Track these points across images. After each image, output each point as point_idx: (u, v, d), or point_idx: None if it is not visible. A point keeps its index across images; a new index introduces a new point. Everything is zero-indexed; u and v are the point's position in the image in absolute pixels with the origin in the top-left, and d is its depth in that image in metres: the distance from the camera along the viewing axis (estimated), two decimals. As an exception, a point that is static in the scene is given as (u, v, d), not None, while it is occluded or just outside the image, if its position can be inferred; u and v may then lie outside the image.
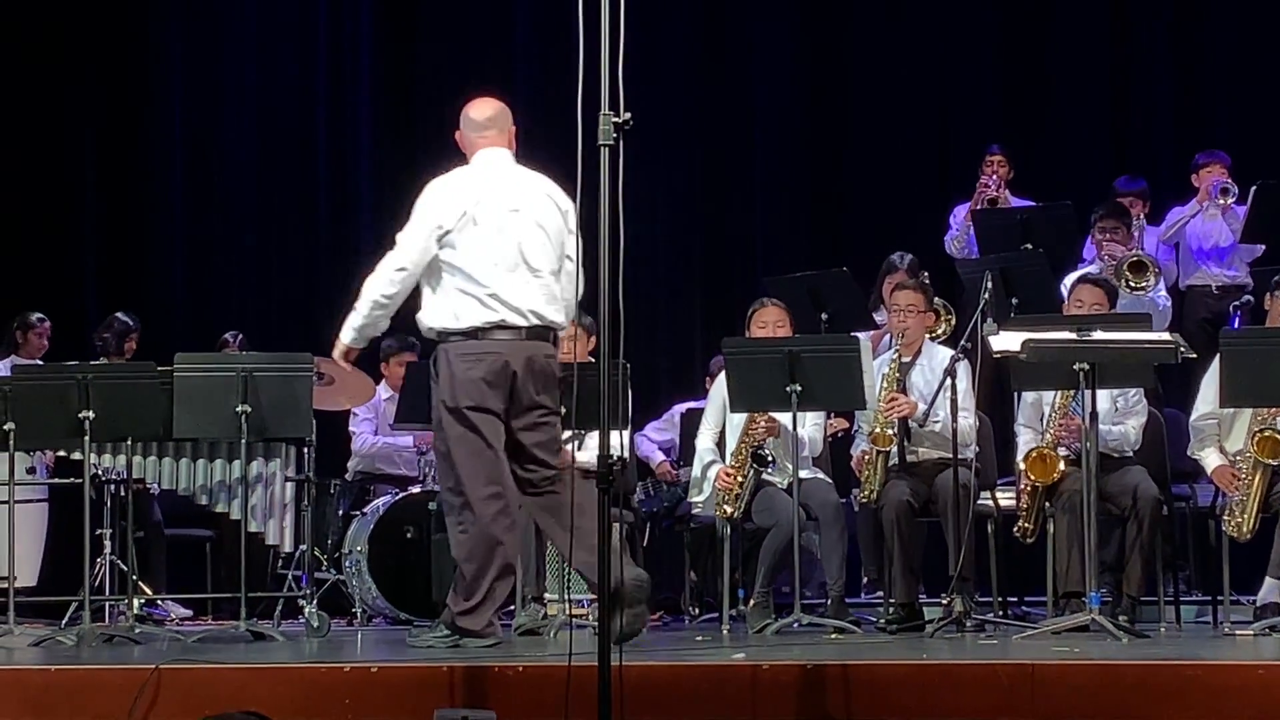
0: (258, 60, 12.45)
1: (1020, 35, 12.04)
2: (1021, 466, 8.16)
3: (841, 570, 8.26)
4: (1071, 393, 7.92)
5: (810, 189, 12.19)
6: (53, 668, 6.53)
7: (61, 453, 8.77)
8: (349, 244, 12.02)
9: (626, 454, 8.03)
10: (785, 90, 12.26)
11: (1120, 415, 8.21)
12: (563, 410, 7.19)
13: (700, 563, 9.34)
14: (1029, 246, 9.73)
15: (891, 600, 8.29)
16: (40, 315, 10.47)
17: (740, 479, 8.33)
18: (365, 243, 12.32)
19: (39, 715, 6.13)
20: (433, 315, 7.14)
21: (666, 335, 12.00)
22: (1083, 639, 7.13)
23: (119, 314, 10.47)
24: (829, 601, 8.24)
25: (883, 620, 8.22)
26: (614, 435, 5.43)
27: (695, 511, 8.83)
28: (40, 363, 10.02)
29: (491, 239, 7.08)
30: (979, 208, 10.53)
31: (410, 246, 7.13)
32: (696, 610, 9.21)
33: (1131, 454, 8.23)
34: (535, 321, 7.09)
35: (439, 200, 7.17)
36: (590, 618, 7.92)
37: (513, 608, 8.41)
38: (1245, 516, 7.84)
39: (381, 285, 7.13)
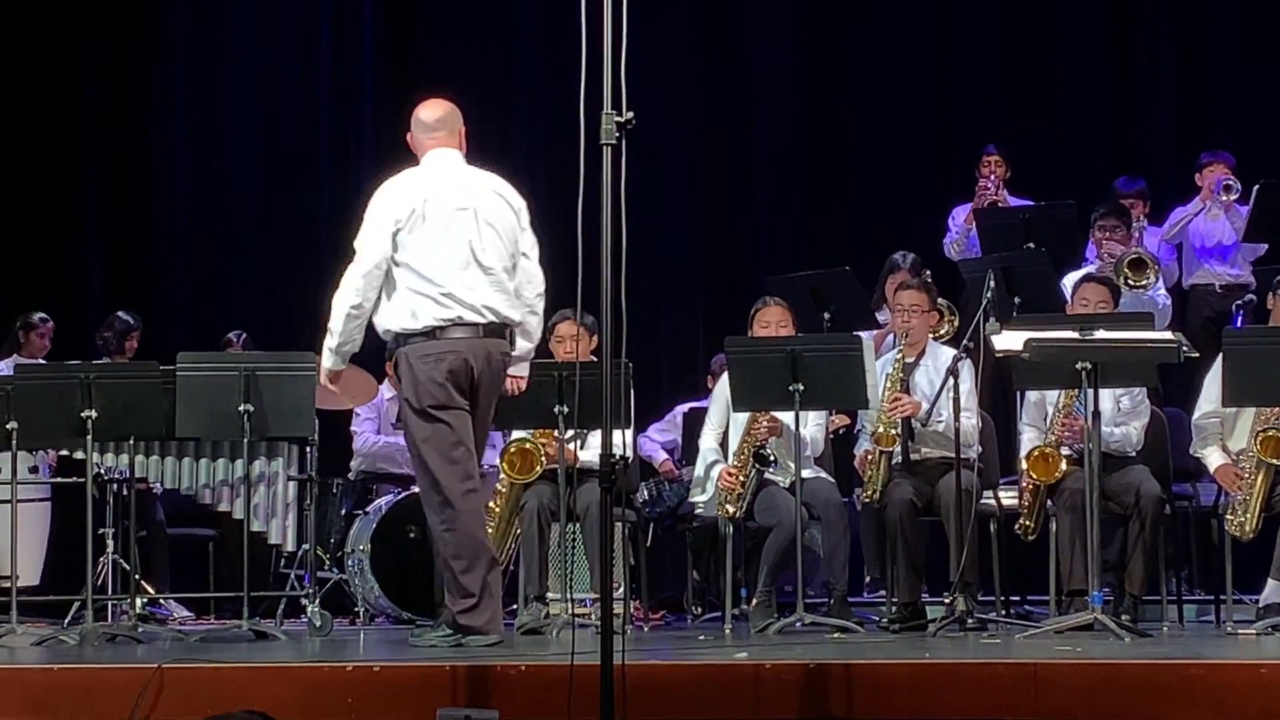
0: (260, 60, 12.44)
1: (1022, 34, 12.03)
2: (1024, 466, 8.16)
3: (844, 569, 8.26)
4: (1075, 392, 7.91)
5: (812, 188, 12.18)
6: (55, 667, 6.55)
7: (64, 452, 8.78)
8: (352, 244, 12.01)
9: (629, 453, 8.03)
10: (787, 89, 12.26)
11: (1123, 416, 8.21)
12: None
13: (703, 562, 9.34)
14: (1031, 246, 9.73)
15: (894, 599, 8.29)
16: (43, 315, 10.47)
17: (742, 478, 8.33)
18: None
19: (42, 714, 6.13)
20: (389, 317, 7.17)
21: (669, 335, 12.00)
22: (1085, 638, 7.13)
23: (120, 313, 10.48)
24: (831, 601, 8.25)
25: (885, 619, 8.22)
26: (616, 434, 5.44)
27: (698, 511, 8.83)
28: (43, 362, 10.01)
29: (441, 237, 7.16)
30: (981, 207, 10.53)
31: (370, 249, 7.18)
32: (699, 609, 9.20)
33: (1134, 453, 8.22)
34: (491, 318, 7.18)
35: (389, 200, 7.24)
36: (593, 617, 7.92)
37: (515, 607, 8.43)
38: (1248, 516, 7.84)
39: (350, 296, 7.16)
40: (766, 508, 8.33)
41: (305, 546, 8.78)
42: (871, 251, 10.39)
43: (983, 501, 8.22)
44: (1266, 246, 10.20)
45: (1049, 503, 8.10)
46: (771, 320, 8.61)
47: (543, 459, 8.33)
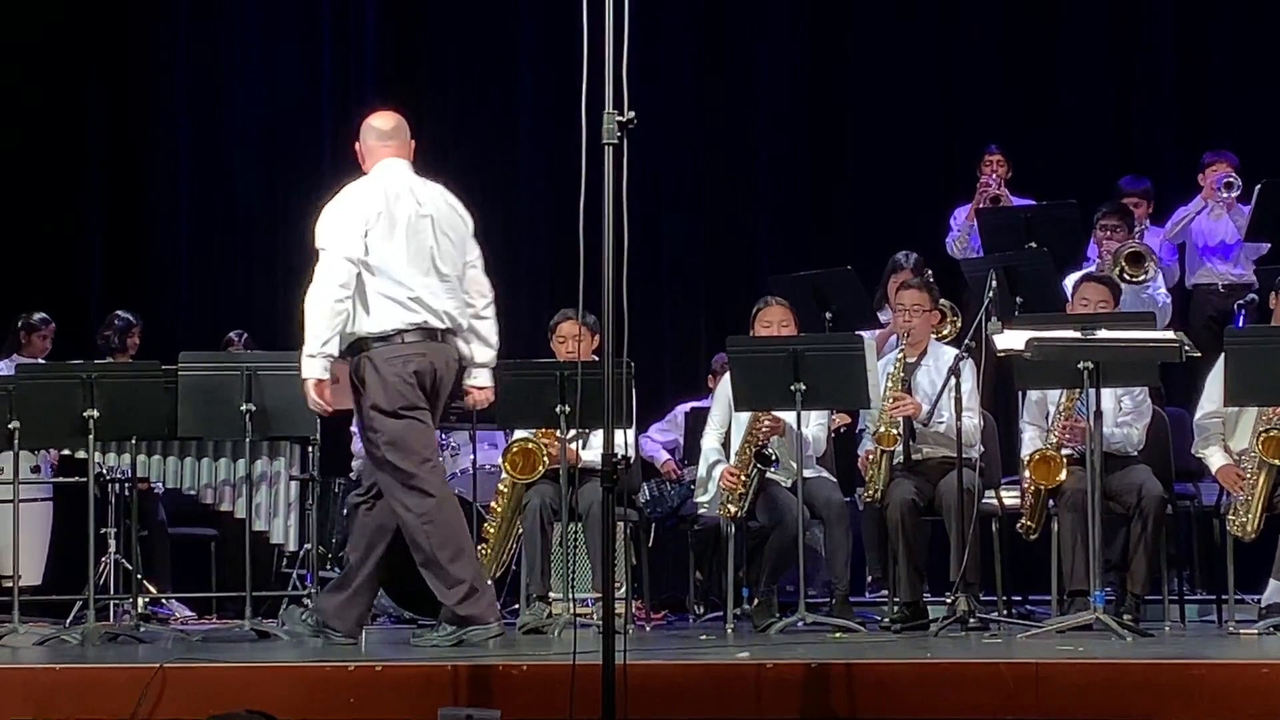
0: (263, 60, 12.45)
1: (1024, 33, 12.03)
2: (1026, 470, 8.14)
3: (846, 569, 8.26)
4: (1077, 393, 7.91)
5: (814, 187, 12.18)
6: (57, 666, 6.55)
7: (66, 451, 8.79)
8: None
9: (632, 453, 8.04)
10: (789, 89, 12.25)
11: (1125, 416, 8.20)
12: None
13: (705, 562, 9.34)
14: (1033, 245, 9.73)
15: (896, 599, 8.29)
16: (44, 316, 10.47)
17: (744, 478, 8.33)
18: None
19: (44, 714, 6.13)
20: (353, 320, 7.16)
21: (670, 334, 12.00)
22: (1087, 638, 7.13)
23: (119, 311, 10.48)
24: (833, 600, 8.25)
25: (887, 619, 8.22)
26: (618, 434, 5.44)
27: (700, 511, 8.83)
28: (44, 362, 10.02)
29: (408, 240, 7.20)
30: (982, 207, 10.53)
31: (344, 247, 7.13)
32: (701, 609, 9.21)
33: (1135, 452, 8.22)
34: (448, 324, 7.25)
35: (356, 203, 7.25)
36: (595, 617, 7.92)
37: (516, 606, 8.44)
38: (1250, 516, 7.83)
39: (333, 291, 7.08)
40: (768, 507, 8.33)
41: (307, 546, 8.79)
42: (873, 251, 10.39)
43: (984, 501, 8.21)
44: (1269, 246, 10.19)
45: (1050, 503, 8.09)
46: (773, 320, 8.60)
47: (545, 458, 8.33)
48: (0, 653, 7.42)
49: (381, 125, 7.48)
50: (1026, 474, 8.09)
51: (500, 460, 8.57)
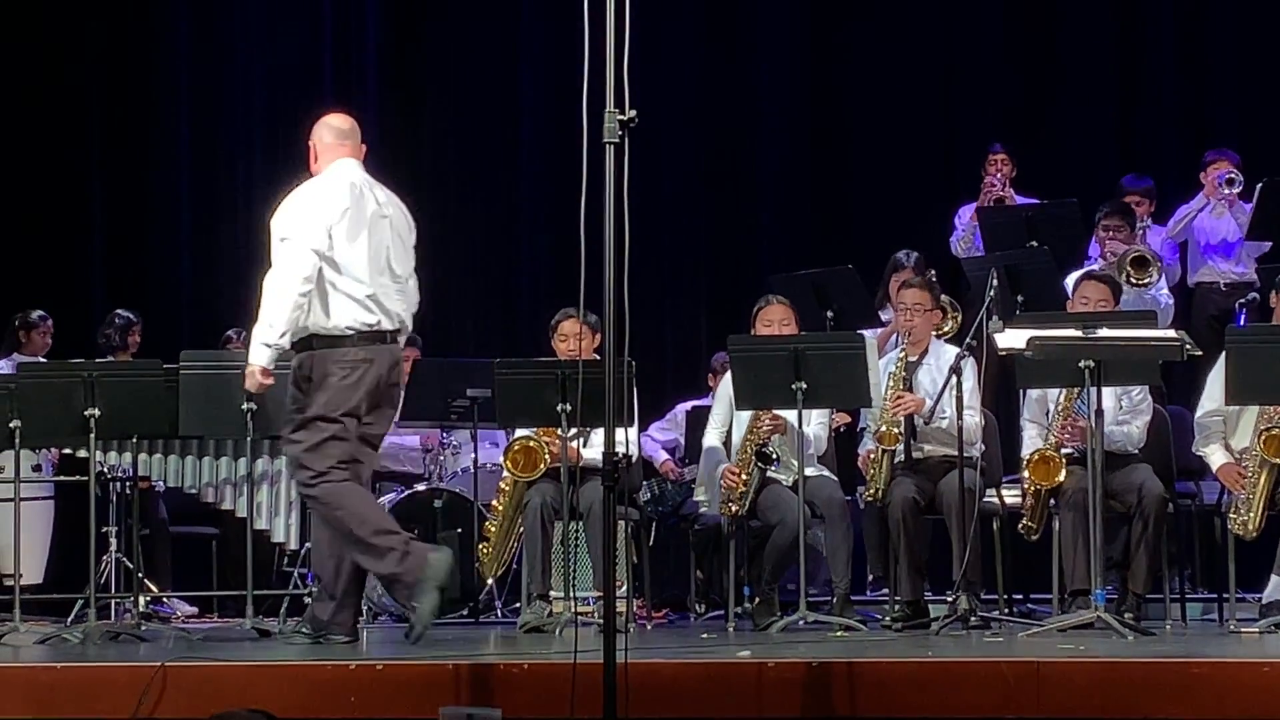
0: (263, 58, 12.45)
1: (1026, 32, 12.03)
2: (1025, 472, 8.13)
3: (847, 568, 8.25)
4: (1076, 393, 7.91)
5: (815, 186, 12.18)
6: (59, 665, 6.56)
7: (67, 450, 8.79)
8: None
9: (634, 451, 8.04)
10: (790, 88, 12.26)
11: (1125, 415, 8.20)
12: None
13: (706, 561, 9.35)
14: (1034, 244, 9.73)
15: (897, 598, 8.29)
16: (42, 313, 10.47)
17: (745, 477, 8.33)
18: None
19: (45, 713, 6.14)
20: (307, 314, 7.17)
21: (671, 333, 12.00)
22: (1088, 636, 7.13)
23: (119, 310, 10.48)
24: (834, 599, 8.24)
25: (888, 618, 8.22)
26: (620, 432, 5.44)
27: (701, 510, 8.83)
28: (45, 360, 10.02)
29: (368, 240, 7.22)
30: (986, 205, 10.52)
31: (308, 239, 7.12)
32: (702, 608, 9.21)
33: (1136, 451, 8.22)
34: (398, 326, 7.31)
35: (321, 197, 7.25)
36: (596, 615, 7.92)
37: (518, 605, 8.44)
38: (1251, 514, 7.83)
39: (297, 283, 7.09)
40: (769, 506, 8.32)
41: (308, 545, 8.77)
42: (875, 250, 10.38)
43: (985, 500, 8.21)
44: (1270, 244, 10.19)
45: (1052, 502, 8.09)
46: (774, 319, 8.60)
47: (546, 457, 8.32)
48: (1, 651, 7.42)
49: (339, 125, 7.48)
50: (1026, 474, 8.09)
51: (501, 459, 8.57)
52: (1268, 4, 11.53)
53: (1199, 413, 8.15)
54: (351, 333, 7.16)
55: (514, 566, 8.81)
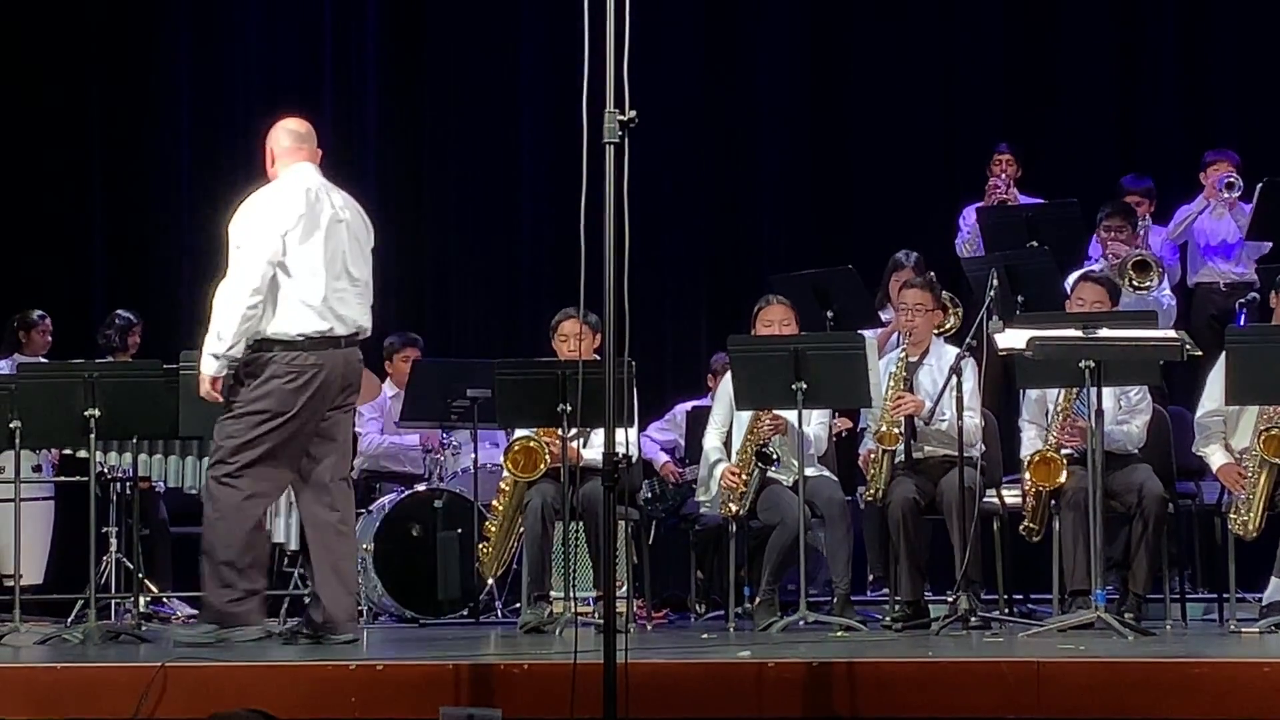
0: (264, 61, 12.45)
1: (1026, 32, 12.03)
2: (1026, 472, 8.13)
3: (847, 568, 8.25)
4: (1074, 393, 7.91)
5: (816, 186, 12.18)
6: (59, 666, 6.56)
7: (67, 450, 8.78)
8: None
9: (634, 451, 8.04)
10: (790, 87, 12.25)
11: (1124, 414, 8.20)
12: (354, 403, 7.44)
13: (706, 561, 9.34)
14: (1034, 244, 9.73)
15: (897, 598, 8.28)
16: (41, 312, 10.47)
17: (745, 477, 8.33)
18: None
19: (45, 713, 6.14)
20: (260, 318, 7.17)
21: (671, 333, 12.00)
22: (1088, 637, 7.12)
23: (119, 310, 10.48)
24: (834, 599, 8.24)
25: (888, 618, 8.21)
26: (620, 433, 5.44)
27: (702, 510, 8.83)
28: (45, 360, 10.02)
29: (324, 245, 7.21)
30: (988, 206, 10.52)
31: (262, 249, 7.16)
32: (702, 608, 9.21)
33: (1136, 451, 8.21)
34: (353, 330, 7.29)
35: (275, 204, 7.27)
36: (596, 615, 7.92)
37: (518, 605, 8.44)
38: (1251, 514, 7.83)
39: (246, 296, 7.12)
40: (769, 506, 8.32)
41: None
42: (875, 250, 10.38)
43: (985, 500, 8.21)
44: (1270, 245, 10.19)
45: (1052, 502, 8.09)
46: (774, 319, 8.59)
47: (546, 457, 8.32)
48: (2, 652, 7.42)
49: (295, 128, 7.48)
50: (1027, 475, 8.08)
51: (502, 459, 8.57)
52: (1268, 4, 11.52)
53: (1199, 413, 8.15)
54: (302, 338, 7.16)
55: (514, 567, 8.81)
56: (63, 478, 9.32)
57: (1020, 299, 9.14)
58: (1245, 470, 7.87)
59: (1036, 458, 8.00)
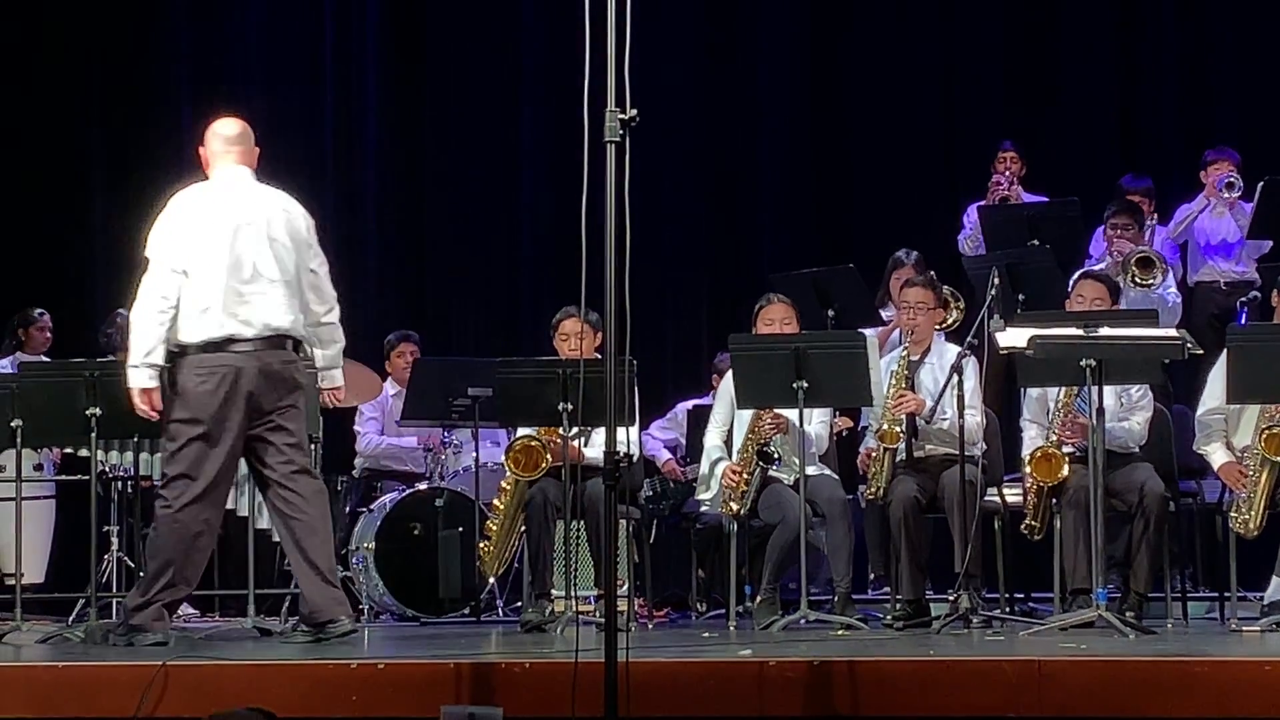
0: (265, 59, 12.46)
1: (1027, 31, 12.04)
2: (1027, 469, 8.14)
3: (848, 566, 8.25)
4: (1075, 391, 7.91)
5: (816, 185, 12.19)
6: (60, 664, 6.55)
7: (68, 449, 8.78)
8: (355, 239, 12.05)
9: (635, 450, 8.04)
10: (791, 86, 12.26)
11: (1125, 411, 8.20)
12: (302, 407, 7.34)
13: (707, 559, 9.35)
14: (1036, 242, 9.73)
15: (898, 596, 8.28)
16: (40, 310, 10.48)
17: (746, 476, 8.33)
18: (369, 240, 12.35)
19: (46, 712, 6.13)
20: (174, 327, 7.16)
21: (672, 332, 12.01)
22: (1090, 635, 7.12)
23: (120, 310, 10.48)
24: (835, 598, 8.24)
25: (889, 616, 8.21)
26: (621, 431, 5.44)
27: (703, 509, 8.83)
28: (47, 359, 10.02)
29: (224, 252, 7.17)
30: (990, 204, 10.52)
31: (166, 256, 7.15)
32: (703, 607, 9.21)
33: (1138, 450, 8.22)
34: (267, 332, 7.20)
35: (180, 211, 7.26)
36: (597, 614, 7.93)
37: (519, 604, 8.44)
38: (1252, 513, 7.83)
39: (156, 302, 7.10)
40: (770, 505, 8.33)
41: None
42: (875, 249, 10.39)
43: (987, 498, 8.21)
44: (1271, 243, 10.20)
45: (1053, 501, 8.09)
46: (775, 317, 8.60)
47: (548, 456, 8.32)
48: (3, 650, 7.42)
49: (226, 131, 7.44)
50: (1028, 471, 8.09)
51: (503, 458, 8.57)
52: (1268, 4, 11.53)
53: (1200, 411, 8.15)
54: (205, 342, 7.13)
55: (515, 565, 8.82)
56: (64, 477, 9.32)
57: (1021, 298, 9.15)
58: (1246, 469, 7.88)
59: (1038, 453, 8.00)
